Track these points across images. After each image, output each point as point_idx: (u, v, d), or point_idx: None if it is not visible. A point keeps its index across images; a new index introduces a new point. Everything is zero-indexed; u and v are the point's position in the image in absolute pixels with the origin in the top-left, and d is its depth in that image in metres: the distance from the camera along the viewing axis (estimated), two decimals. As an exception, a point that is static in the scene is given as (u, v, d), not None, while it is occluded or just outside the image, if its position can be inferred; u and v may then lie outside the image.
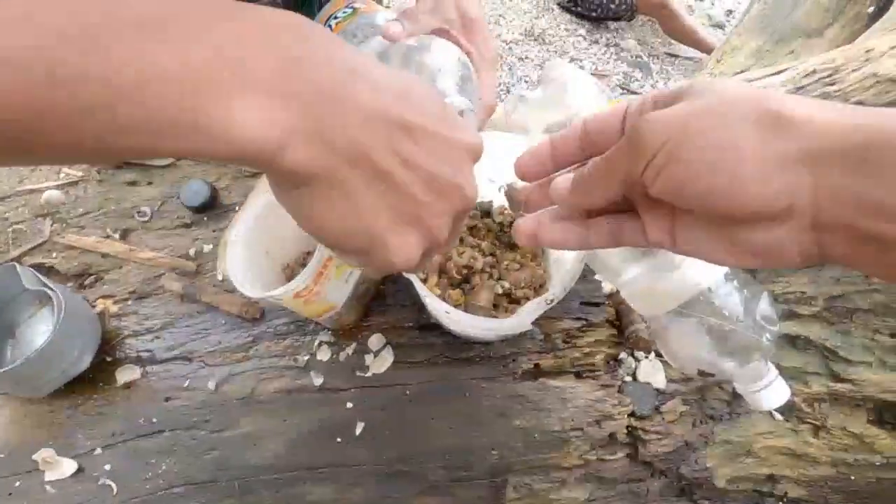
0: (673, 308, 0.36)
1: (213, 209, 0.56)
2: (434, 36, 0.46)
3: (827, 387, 0.50)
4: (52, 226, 0.55)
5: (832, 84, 0.52)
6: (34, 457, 0.44)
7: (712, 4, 2.41)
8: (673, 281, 0.36)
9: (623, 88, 2.15)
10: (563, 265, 0.43)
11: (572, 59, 2.27)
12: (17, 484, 0.44)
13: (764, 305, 0.40)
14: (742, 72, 0.79)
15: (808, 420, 0.51)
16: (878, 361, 0.50)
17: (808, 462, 0.52)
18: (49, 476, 0.43)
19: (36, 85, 0.14)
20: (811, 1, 0.84)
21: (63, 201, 0.57)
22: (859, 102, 0.51)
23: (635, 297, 0.36)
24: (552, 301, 0.36)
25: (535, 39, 2.29)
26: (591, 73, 2.18)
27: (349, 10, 0.63)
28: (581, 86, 0.49)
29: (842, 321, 0.51)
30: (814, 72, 0.54)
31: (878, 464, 0.51)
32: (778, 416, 0.51)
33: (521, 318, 0.36)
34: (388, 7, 0.64)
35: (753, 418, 0.51)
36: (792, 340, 0.51)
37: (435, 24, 0.46)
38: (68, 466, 0.44)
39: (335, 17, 0.62)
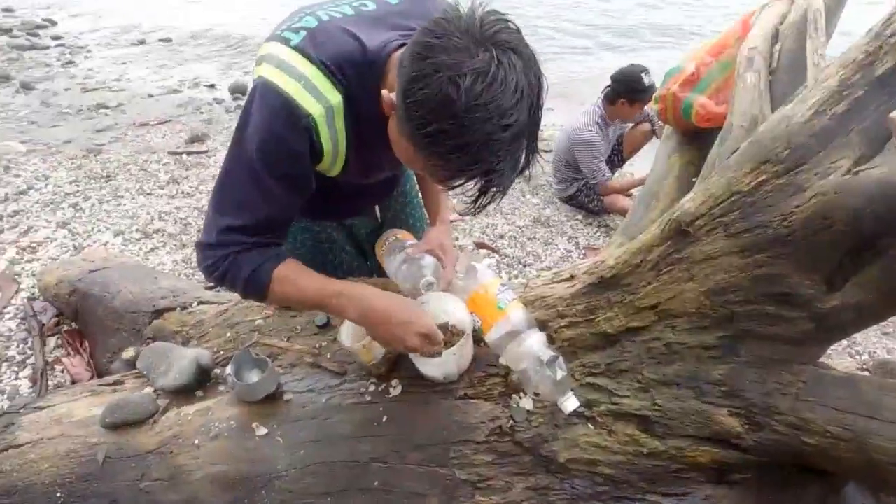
0: (525, 366, 0.94)
1: (327, 326, 1.23)
2: (426, 253, 1.14)
3: (609, 409, 1.02)
4: (258, 335, 1.24)
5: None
6: (252, 425, 1.05)
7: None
8: (522, 352, 0.97)
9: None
10: (469, 343, 1.03)
11: (570, 238, 2.99)
12: (247, 435, 1.04)
13: (561, 362, 0.97)
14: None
15: (603, 427, 1.02)
16: (634, 396, 1.02)
17: (609, 452, 1.01)
18: (258, 433, 1.04)
19: (302, 305, 0.91)
20: (647, 217, 1.51)
21: (268, 325, 1.26)
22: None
23: (510, 362, 0.96)
24: (453, 354, 0.97)
25: (542, 224, 3.07)
26: (584, 248, 2.88)
27: (394, 238, 1.32)
28: (484, 272, 1.13)
29: (615, 375, 1.04)
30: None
31: (645, 452, 1.00)
32: (590, 426, 1.02)
33: (443, 359, 0.96)
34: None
35: (577, 427, 1.02)
36: (591, 385, 1.05)
37: (426, 248, 1.15)
38: (262, 431, 1.04)
39: (388, 241, 1.32)
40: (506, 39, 0.63)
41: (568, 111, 3.89)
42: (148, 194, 3.06)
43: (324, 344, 1.19)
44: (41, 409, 1.16)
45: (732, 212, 0.94)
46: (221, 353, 1.24)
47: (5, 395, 1.78)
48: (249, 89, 0.82)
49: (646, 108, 2.97)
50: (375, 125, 0.80)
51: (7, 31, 6.45)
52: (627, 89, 2.86)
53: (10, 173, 3.21)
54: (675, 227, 1.00)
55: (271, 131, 0.77)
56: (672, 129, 1.70)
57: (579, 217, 3.22)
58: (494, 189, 0.71)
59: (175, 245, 2.62)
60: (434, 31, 0.64)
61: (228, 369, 1.09)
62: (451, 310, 1.06)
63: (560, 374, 0.97)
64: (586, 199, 3.15)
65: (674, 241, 1.01)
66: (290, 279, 0.87)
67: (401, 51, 0.76)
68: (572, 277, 1.18)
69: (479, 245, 2.80)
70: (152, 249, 2.58)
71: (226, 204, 0.83)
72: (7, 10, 7.42)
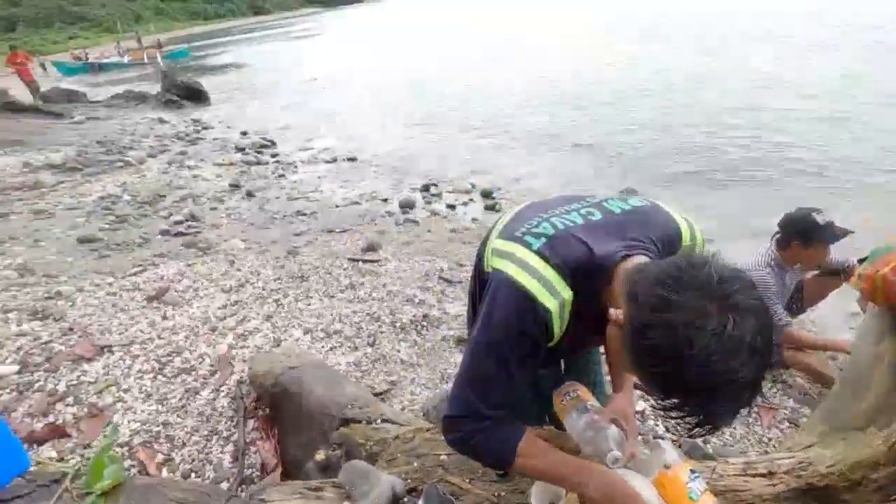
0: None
1: (506, 476, 1.30)
2: (612, 423, 1.18)
3: None
4: (442, 471, 1.35)
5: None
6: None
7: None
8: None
9: (790, 423, 2.48)
10: None
11: (738, 392, 2.72)
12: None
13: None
14: (807, 446, 1.31)
15: None
16: None
17: None
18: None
19: (538, 477, 1.00)
20: (856, 407, 1.37)
21: (452, 462, 1.38)
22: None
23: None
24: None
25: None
26: (758, 405, 2.60)
27: (575, 395, 1.36)
28: (671, 451, 1.12)
29: None
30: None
31: None
32: None
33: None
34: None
35: None
36: None
37: (611, 416, 1.19)
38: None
39: (568, 395, 1.37)
40: (742, 301, 0.67)
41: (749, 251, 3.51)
42: (331, 297, 3.57)
43: (503, 493, 1.26)
44: (264, 502, 1.38)
45: None
46: (409, 480, 1.37)
47: (212, 465, 2.12)
48: (491, 278, 1.01)
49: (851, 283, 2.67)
50: (592, 318, 0.94)
51: (241, 150, 8.35)
52: (798, 231, 2.66)
53: (234, 267, 4.01)
54: (908, 449, 0.92)
55: (515, 324, 0.93)
56: (881, 308, 1.57)
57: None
58: (710, 426, 0.75)
59: (349, 347, 2.98)
60: (670, 285, 0.69)
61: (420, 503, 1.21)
62: (641, 491, 1.07)
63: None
64: (757, 349, 2.89)
65: (907, 464, 0.92)
66: (531, 454, 0.98)
67: (625, 263, 0.91)
68: (771, 475, 1.11)
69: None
70: (331, 348, 2.96)
71: (476, 382, 0.99)
72: (244, 132, 9.65)
